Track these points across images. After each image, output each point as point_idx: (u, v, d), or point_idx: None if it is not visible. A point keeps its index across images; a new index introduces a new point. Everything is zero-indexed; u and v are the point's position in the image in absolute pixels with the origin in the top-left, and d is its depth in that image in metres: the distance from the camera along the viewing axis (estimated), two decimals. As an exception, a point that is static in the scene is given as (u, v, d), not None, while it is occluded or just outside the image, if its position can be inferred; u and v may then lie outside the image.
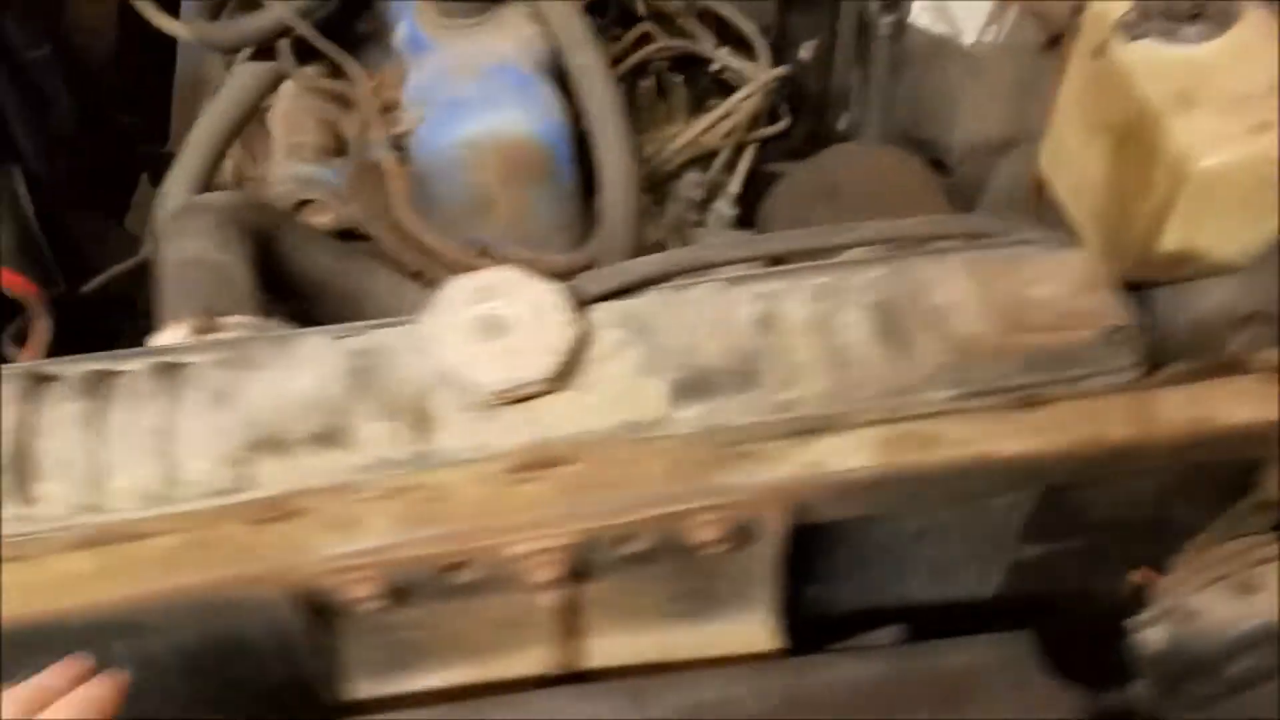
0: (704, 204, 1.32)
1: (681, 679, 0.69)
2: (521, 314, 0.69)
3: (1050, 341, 0.70)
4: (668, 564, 0.69)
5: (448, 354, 0.68)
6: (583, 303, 0.71)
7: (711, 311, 0.71)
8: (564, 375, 0.68)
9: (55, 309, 1.33)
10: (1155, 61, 1.03)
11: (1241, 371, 0.70)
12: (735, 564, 0.70)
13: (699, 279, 0.74)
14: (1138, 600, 0.78)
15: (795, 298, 0.72)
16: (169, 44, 1.38)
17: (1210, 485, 0.75)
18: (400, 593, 0.65)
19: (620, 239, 1.06)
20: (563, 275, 0.73)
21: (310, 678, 0.70)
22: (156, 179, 1.52)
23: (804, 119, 1.43)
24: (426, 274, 1.07)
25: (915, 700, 0.67)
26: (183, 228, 0.85)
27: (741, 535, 0.66)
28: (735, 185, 1.32)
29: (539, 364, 0.68)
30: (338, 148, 1.19)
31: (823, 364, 0.70)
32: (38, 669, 0.56)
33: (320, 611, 0.65)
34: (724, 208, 1.33)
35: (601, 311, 0.72)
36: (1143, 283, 1.09)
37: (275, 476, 0.66)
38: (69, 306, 1.31)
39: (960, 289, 0.72)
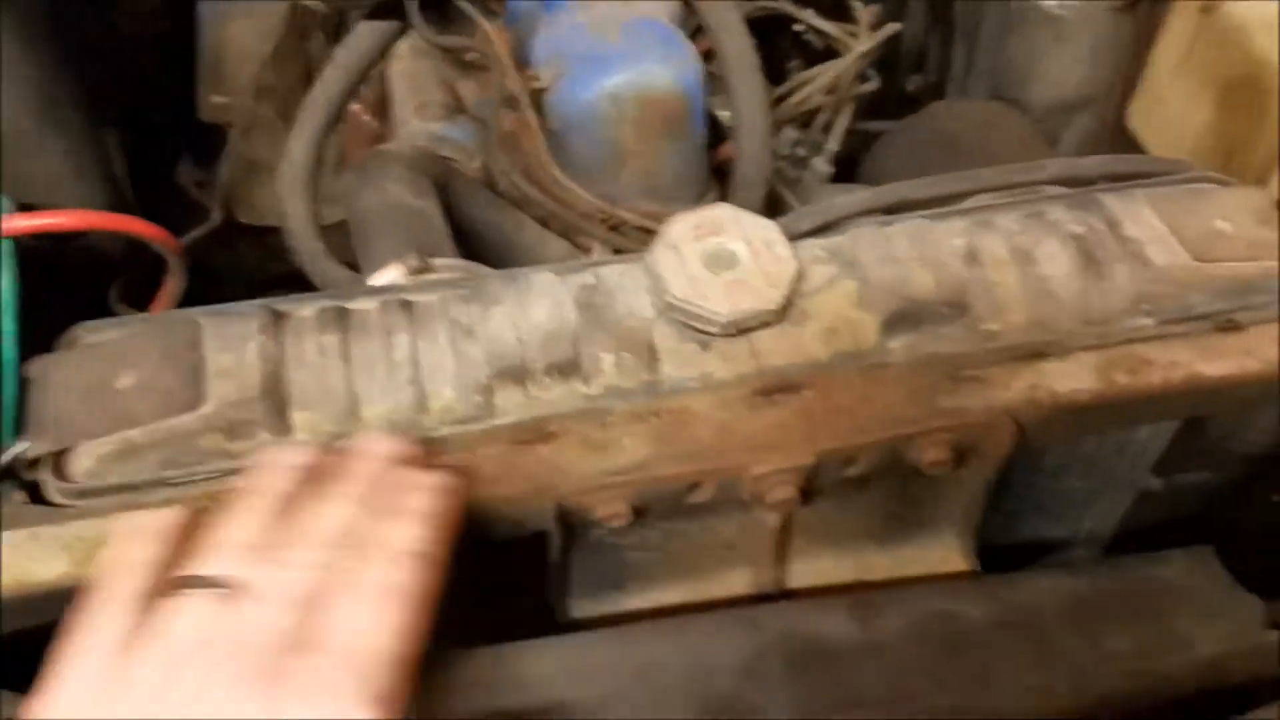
0: (802, 161, 1.35)
1: (897, 595, 0.72)
2: (748, 249, 0.72)
3: (1239, 271, 0.73)
4: (881, 488, 0.73)
5: (676, 286, 0.71)
6: (793, 238, 0.74)
7: (917, 246, 0.74)
8: (784, 308, 0.72)
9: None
10: (1269, 15, 1.07)
11: None
12: (947, 488, 0.74)
13: (898, 217, 0.77)
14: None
15: (995, 232, 0.75)
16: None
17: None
18: (640, 512, 0.68)
19: (754, 191, 1.09)
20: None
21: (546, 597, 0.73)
22: (197, 150, 1.54)
23: (889, 82, 1.46)
24: (562, 227, 1.10)
25: (1120, 611, 0.71)
26: (376, 175, 0.87)
27: (959, 458, 0.69)
28: (834, 143, 1.34)
29: (765, 296, 0.71)
30: (458, 107, 1.21)
31: (1025, 294, 0.73)
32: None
33: (572, 529, 0.68)
34: (821, 165, 1.35)
35: (810, 248, 0.75)
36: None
37: (517, 405, 0.68)
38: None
39: (1150, 222, 0.75)
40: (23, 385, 0.75)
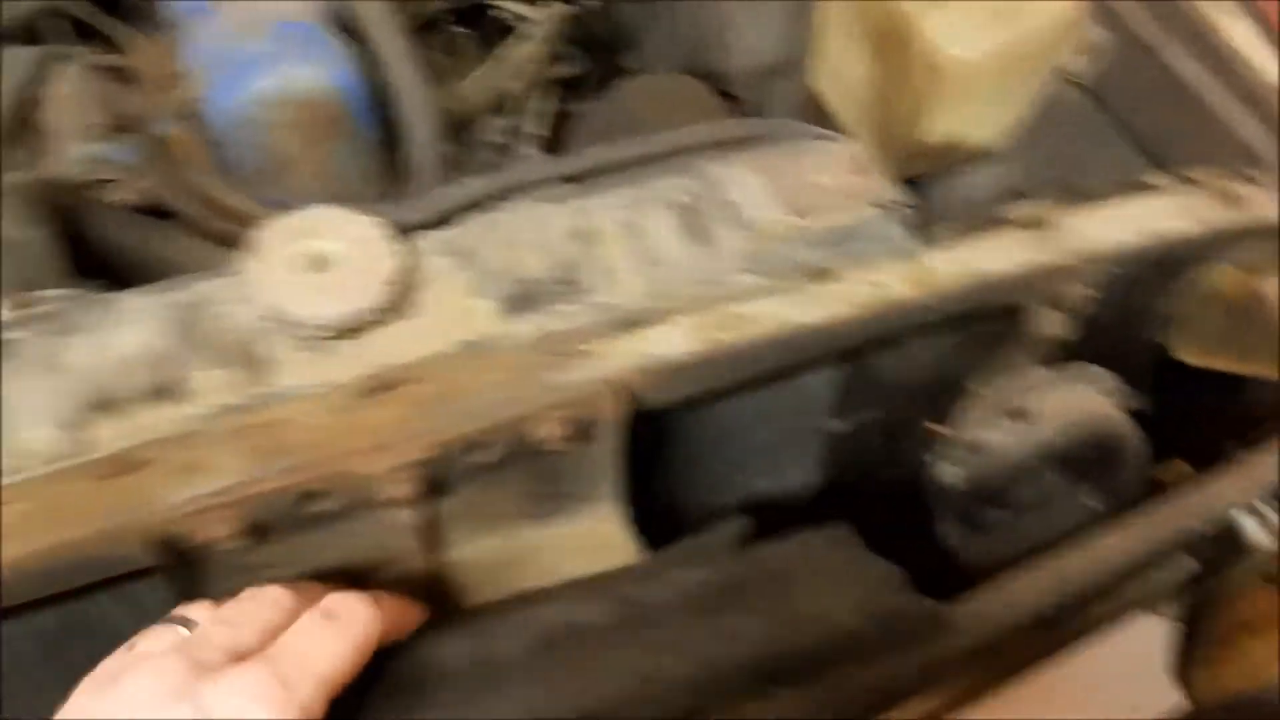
0: (507, 148, 1.35)
1: (514, 614, 0.70)
2: (344, 248, 0.71)
3: (835, 221, 0.77)
4: (518, 469, 0.73)
5: (272, 293, 0.69)
6: (404, 232, 0.74)
7: (527, 229, 0.75)
8: (395, 305, 0.71)
9: None
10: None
11: (999, 227, 0.79)
12: (580, 461, 0.75)
13: (511, 202, 0.78)
14: (933, 447, 0.87)
15: (604, 208, 0.77)
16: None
17: (981, 337, 0.85)
18: (261, 529, 0.66)
19: (429, 184, 1.08)
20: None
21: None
22: None
23: (598, 61, 1.47)
24: (235, 240, 1.06)
25: (750, 599, 0.71)
26: (-27, 210, 0.82)
27: (583, 431, 0.71)
28: (533, 127, 1.35)
29: (368, 294, 0.70)
30: (123, 125, 1.15)
31: (636, 265, 0.75)
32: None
33: (182, 559, 0.66)
34: (528, 149, 1.36)
35: (423, 240, 0.75)
36: (916, 177, 1.20)
37: (115, 436, 0.66)
38: None
39: (750, 183, 0.78)
40: None
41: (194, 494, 0.64)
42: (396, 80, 1.06)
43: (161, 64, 1.12)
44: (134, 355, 0.68)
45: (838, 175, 0.79)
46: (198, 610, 0.62)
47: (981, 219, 0.79)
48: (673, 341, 0.71)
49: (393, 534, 0.73)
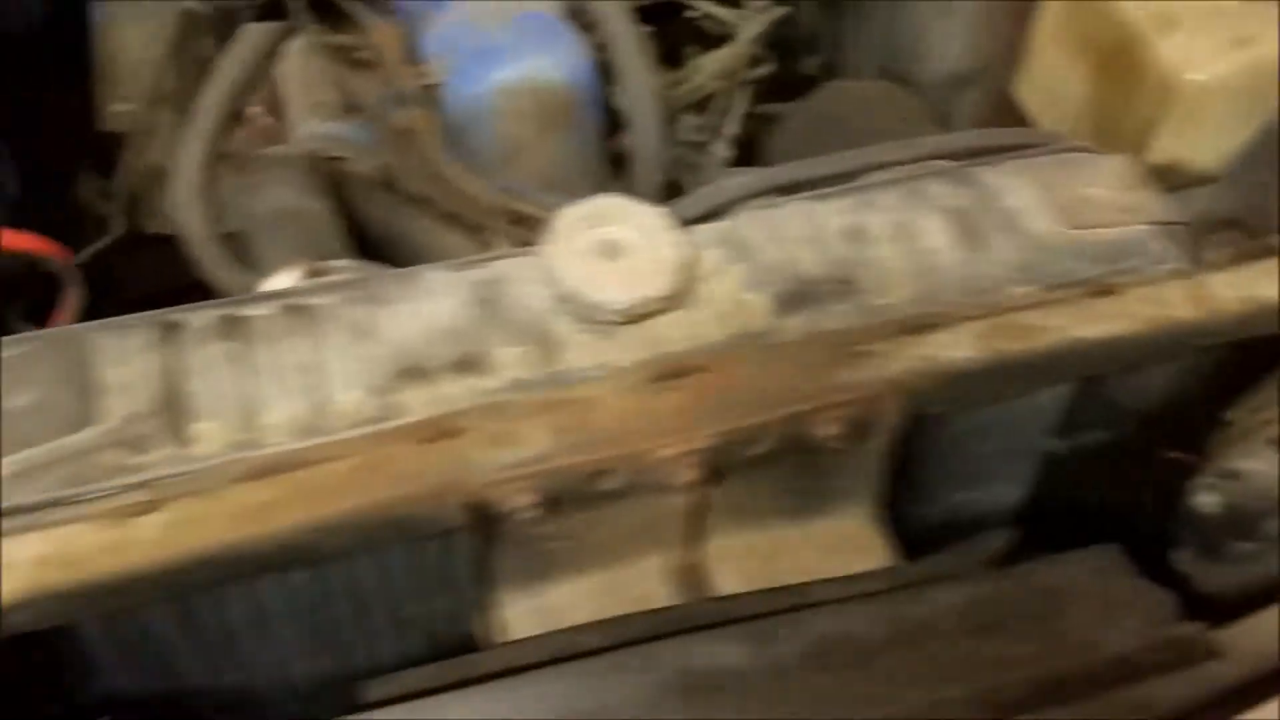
0: (701, 146, 1.37)
1: (793, 619, 0.71)
2: (634, 237, 0.73)
3: (1111, 236, 0.77)
4: (786, 465, 0.75)
5: (570, 278, 0.72)
6: (682, 224, 0.76)
7: (803, 226, 0.77)
8: (678, 294, 0.73)
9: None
10: (1139, -16, 1.11)
11: (1272, 255, 0.78)
12: (846, 461, 0.76)
13: (784, 199, 0.79)
14: (1184, 475, 0.86)
15: (877, 210, 0.78)
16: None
17: (1241, 364, 0.84)
18: (554, 502, 0.69)
19: (652, 179, 1.10)
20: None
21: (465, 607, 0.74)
22: (96, 160, 1.51)
23: (788, 64, 1.48)
24: (464, 224, 1.10)
25: (1021, 616, 0.71)
26: (265, 180, 0.86)
27: (860, 431, 0.72)
28: (731, 127, 1.37)
29: (657, 282, 0.72)
30: (351, 106, 1.20)
31: (910, 268, 0.76)
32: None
33: (483, 525, 0.68)
34: (720, 149, 1.38)
35: (700, 233, 0.77)
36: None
37: (420, 403, 0.69)
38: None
39: (1025, 192, 0.79)
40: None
41: (507, 463, 0.66)
42: (628, 74, 1.08)
43: (394, 49, 1.15)
44: (440, 327, 0.70)
45: (1111, 188, 0.79)
46: None
47: (1256, 245, 0.79)
48: (957, 347, 0.72)
49: (664, 518, 0.75)
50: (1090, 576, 0.72)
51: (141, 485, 0.64)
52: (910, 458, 0.87)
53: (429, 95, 1.09)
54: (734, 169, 1.30)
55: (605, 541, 0.76)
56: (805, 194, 0.80)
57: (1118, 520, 0.93)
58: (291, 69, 1.21)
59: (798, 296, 0.74)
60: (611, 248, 0.73)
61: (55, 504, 0.63)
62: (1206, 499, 0.82)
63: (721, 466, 0.71)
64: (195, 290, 1.12)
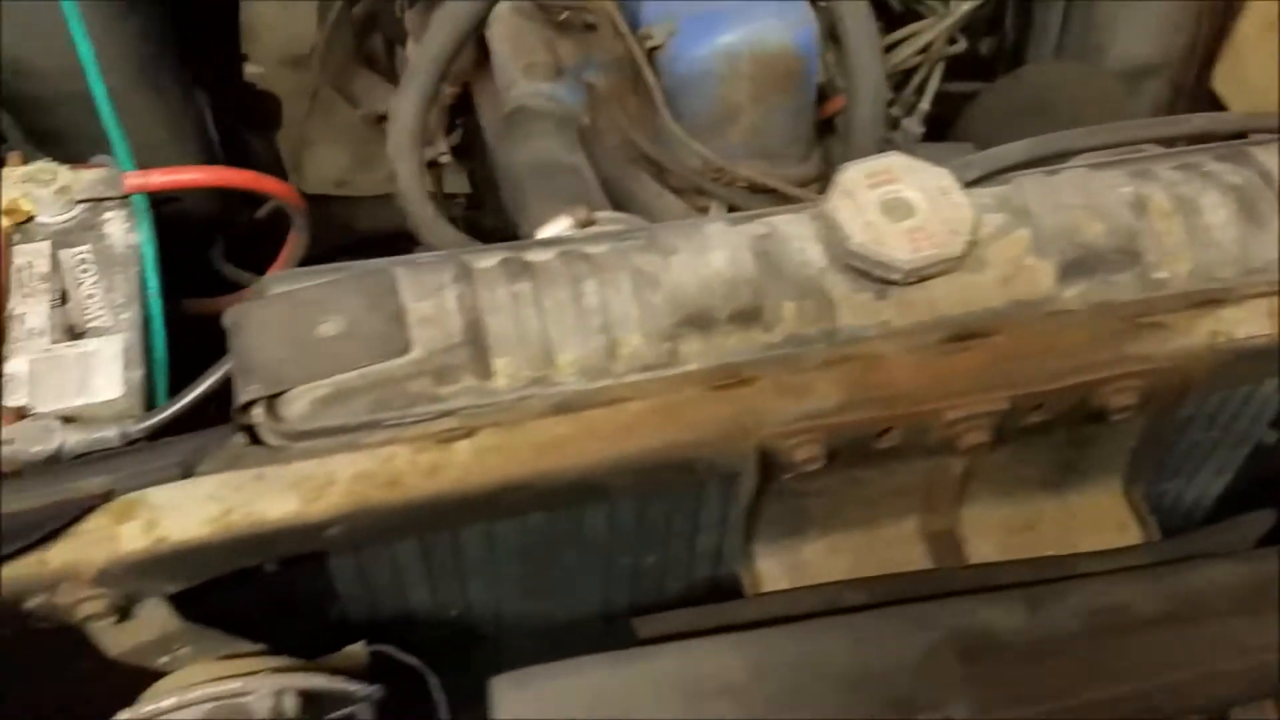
0: (894, 122, 1.36)
1: (1066, 588, 0.70)
2: (923, 198, 0.73)
3: (1398, 218, 0.75)
4: (1059, 435, 0.74)
5: (855, 233, 0.72)
6: (965, 186, 0.76)
7: (1084, 195, 0.75)
8: (963, 256, 0.73)
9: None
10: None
11: None
12: (1111, 435, 0.76)
13: (1060, 167, 0.78)
14: None
15: (1158, 182, 0.77)
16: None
17: None
18: (834, 456, 0.69)
19: (867, 151, 1.09)
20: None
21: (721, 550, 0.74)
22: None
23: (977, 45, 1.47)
24: (677, 183, 1.11)
25: None
26: (525, 131, 0.88)
27: (1150, 402, 0.71)
28: (926, 103, 1.36)
29: (947, 243, 0.72)
30: (562, 67, 1.21)
31: (1192, 243, 0.74)
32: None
33: (764, 475, 0.69)
34: (913, 125, 1.36)
35: (979, 196, 0.76)
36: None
37: (700, 352, 0.70)
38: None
39: (1303, 174, 0.77)
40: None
41: (798, 414, 0.67)
42: (855, 44, 1.07)
43: (613, 11, 1.16)
44: (720, 279, 0.71)
45: (1395, 171, 0.77)
46: None
47: None
48: (1251, 324, 0.71)
49: (932, 480, 0.75)
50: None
51: (449, 414, 0.65)
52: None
53: (649, 58, 1.10)
54: (939, 144, 1.29)
55: (866, 502, 0.76)
56: (1080, 163, 0.79)
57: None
58: (502, 31, 1.22)
59: (1081, 264, 0.73)
60: (899, 206, 0.73)
61: (370, 426, 0.65)
62: None
63: (1004, 432, 0.71)
64: (346, 251, 1.14)
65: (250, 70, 1.63)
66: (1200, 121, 0.83)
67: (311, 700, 0.64)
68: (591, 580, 0.81)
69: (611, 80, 1.16)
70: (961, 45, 1.40)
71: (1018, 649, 0.67)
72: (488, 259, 0.72)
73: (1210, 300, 0.72)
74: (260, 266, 1.19)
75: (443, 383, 0.66)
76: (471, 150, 1.35)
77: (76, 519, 0.58)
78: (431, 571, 0.76)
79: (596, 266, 0.72)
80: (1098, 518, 0.78)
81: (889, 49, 1.31)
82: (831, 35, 1.12)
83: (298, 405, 0.65)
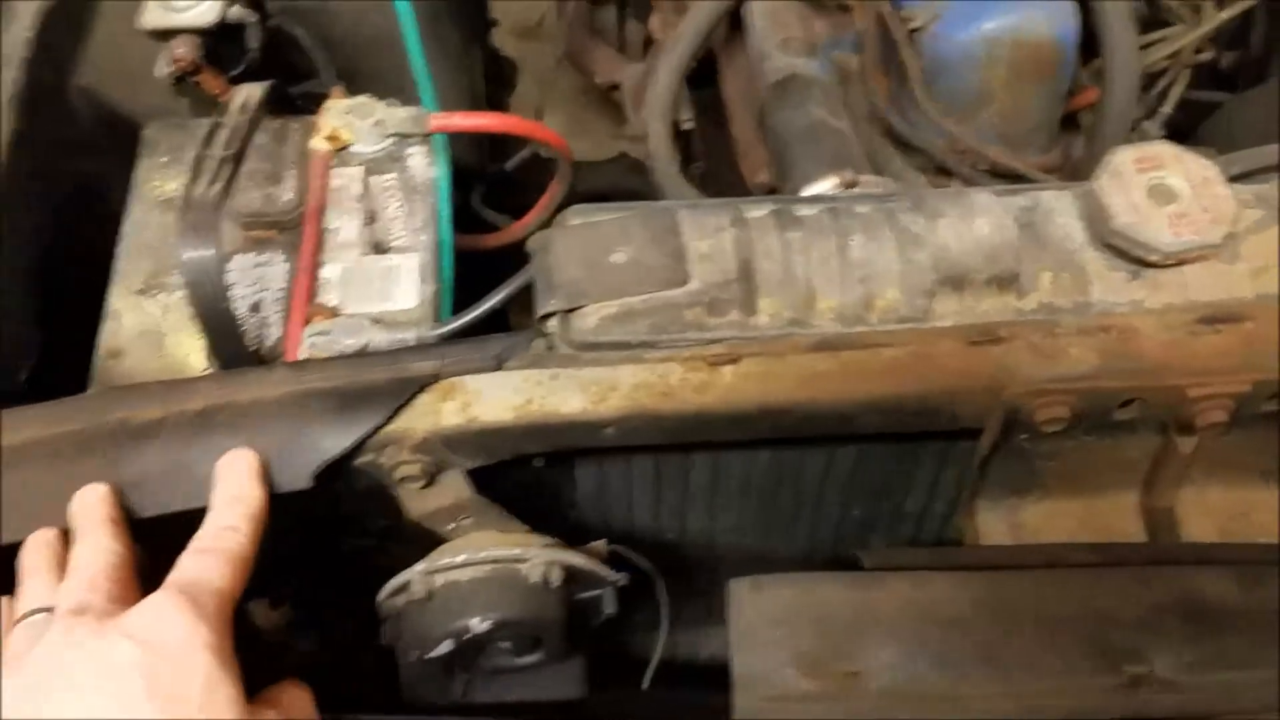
0: (1136, 123, 1.35)
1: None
2: (1188, 186, 0.75)
3: None
4: (1281, 424, 0.76)
5: (1120, 214, 0.75)
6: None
7: (1351, 199, 0.76)
8: (1220, 245, 0.75)
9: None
10: None
11: None
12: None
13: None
14: None
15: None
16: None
17: None
18: (1075, 420, 0.73)
19: (1117, 142, 1.10)
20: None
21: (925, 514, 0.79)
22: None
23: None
24: (929, 160, 1.15)
25: None
26: (797, 96, 0.94)
27: (1396, 401, 0.72)
28: (1169, 107, 1.35)
29: (1208, 231, 0.74)
30: (814, 44, 1.26)
31: None
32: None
33: (1007, 431, 0.73)
34: (1153, 129, 1.35)
35: (1239, 191, 0.78)
36: None
37: (953, 311, 0.74)
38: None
39: None
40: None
41: (1051, 375, 0.71)
42: (1114, 39, 1.09)
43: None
44: (982, 244, 0.75)
45: None
46: (36, 597, 0.65)
47: None
48: None
49: (1163, 457, 0.77)
50: None
51: (718, 341, 0.72)
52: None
53: (910, 40, 1.14)
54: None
55: (1092, 470, 0.79)
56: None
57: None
58: (761, 7, 1.29)
59: (1339, 265, 0.74)
60: (1163, 192, 0.75)
61: (649, 345, 0.73)
62: None
63: (1239, 416, 0.73)
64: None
65: (496, 37, 1.75)
66: None
67: (571, 577, 0.72)
68: (800, 526, 0.87)
69: (862, 59, 1.21)
70: (1210, 54, 1.38)
71: (1233, 619, 0.69)
72: (759, 209, 0.79)
73: None
74: (513, 211, 1.29)
75: (713, 314, 0.73)
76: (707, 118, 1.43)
77: (413, 394, 0.68)
78: (660, 493, 0.84)
79: (864, 223, 0.77)
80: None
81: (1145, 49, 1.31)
82: (1089, 33, 1.14)
83: (589, 320, 0.73)
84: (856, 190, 0.84)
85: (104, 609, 0.62)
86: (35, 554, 0.67)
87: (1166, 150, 0.77)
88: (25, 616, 0.64)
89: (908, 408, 0.72)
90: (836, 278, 0.75)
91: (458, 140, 1.31)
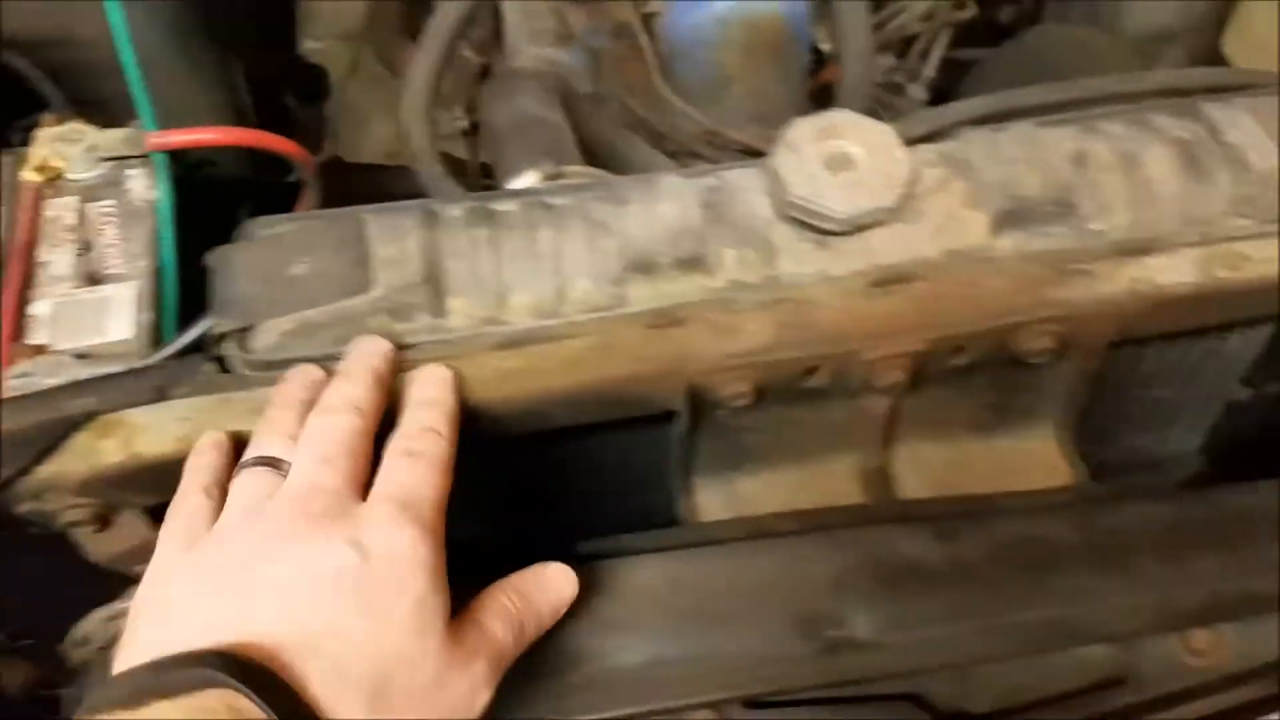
0: (898, 88, 1.38)
1: (983, 519, 0.74)
2: (864, 152, 0.77)
3: (1340, 176, 0.76)
4: (984, 378, 0.78)
5: (797, 186, 0.75)
6: (908, 143, 0.79)
7: (1026, 150, 0.78)
8: (899, 207, 0.76)
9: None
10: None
11: None
12: (1044, 379, 0.79)
13: (1008, 124, 0.81)
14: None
15: (1102, 137, 0.79)
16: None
17: None
18: (762, 393, 0.73)
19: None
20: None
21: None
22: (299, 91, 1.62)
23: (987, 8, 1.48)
24: (669, 149, 1.15)
25: (1207, 537, 0.73)
26: (508, 90, 0.93)
27: (1069, 347, 0.74)
28: (930, 70, 1.38)
29: (882, 194, 0.75)
30: (568, 35, 1.26)
31: (1130, 196, 0.77)
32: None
33: (699, 409, 0.74)
34: (917, 92, 1.39)
35: (923, 151, 0.80)
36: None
37: (647, 296, 0.74)
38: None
39: (1251, 129, 0.78)
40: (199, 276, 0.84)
41: (729, 351, 0.71)
42: (840, 13, 1.10)
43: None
44: (669, 228, 0.75)
45: (1340, 129, 0.78)
46: (269, 443, 0.64)
47: None
48: (1173, 271, 0.73)
49: (860, 420, 0.79)
50: (1276, 505, 0.73)
51: (405, 348, 0.71)
52: (1096, 398, 0.88)
53: (647, 24, 1.14)
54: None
55: (800, 439, 0.80)
56: (1029, 120, 0.81)
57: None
58: (515, -1, 1.28)
59: (1015, 215, 0.76)
60: (840, 160, 0.76)
61: (332, 359, 0.71)
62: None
63: (926, 373, 0.75)
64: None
65: (307, 45, 1.71)
66: (1162, 78, 0.84)
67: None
68: (543, 513, 0.86)
69: (617, 46, 1.20)
70: (971, 11, 1.42)
71: (931, 575, 0.71)
72: (457, 208, 0.78)
73: (1139, 250, 0.74)
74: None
75: (400, 319, 0.72)
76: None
77: (65, 435, 0.66)
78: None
79: (555, 215, 0.77)
80: (1028, 461, 0.81)
81: (891, 18, 1.34)
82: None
83: (266, 338, 0.71)
84: (558, 182, 0.83)
85: (334, 494, 0.60)
86: (292, 387, 0.67)
87: (844, 118, 0.78)
88: (255, 463, 0.63)
89: (597, 398, 0.72)
90: (529, 272, 0.74)
91: (228, 155, 1.28)
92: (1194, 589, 0.70)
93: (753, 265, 0.76)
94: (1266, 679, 0.72)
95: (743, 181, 0.79)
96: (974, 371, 0.77)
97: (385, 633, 0.56)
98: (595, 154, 1.07)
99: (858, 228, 0.76)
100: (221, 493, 0.63)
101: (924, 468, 0.82)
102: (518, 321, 0.73)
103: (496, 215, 0.77)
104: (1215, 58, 1.40)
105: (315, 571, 0.57)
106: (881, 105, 1.37)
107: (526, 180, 0.85)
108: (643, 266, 0.75)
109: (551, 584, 0.66)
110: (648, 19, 1.14)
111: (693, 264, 0.75)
